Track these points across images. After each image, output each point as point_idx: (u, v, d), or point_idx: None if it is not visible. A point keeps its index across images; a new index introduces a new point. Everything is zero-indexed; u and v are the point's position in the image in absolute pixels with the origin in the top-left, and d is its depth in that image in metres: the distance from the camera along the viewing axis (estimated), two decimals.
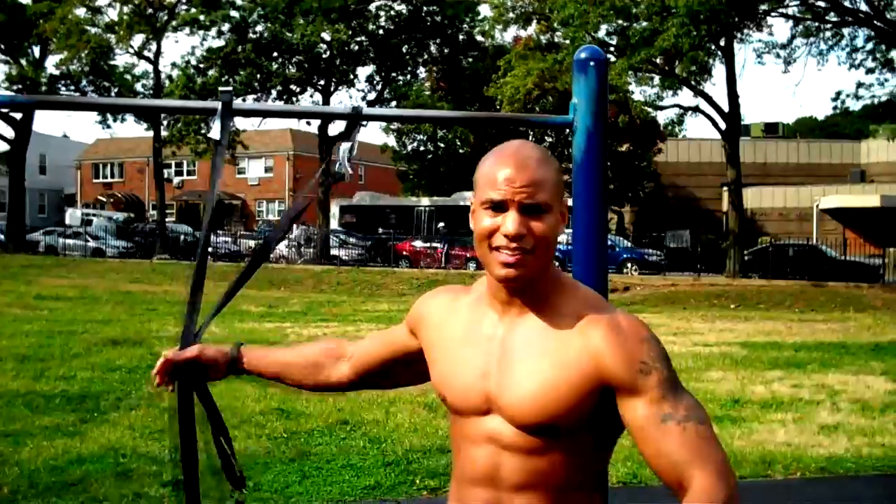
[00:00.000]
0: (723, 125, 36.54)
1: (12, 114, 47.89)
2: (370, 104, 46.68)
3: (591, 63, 2.57)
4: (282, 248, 44.79)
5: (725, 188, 39.41)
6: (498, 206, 1.92)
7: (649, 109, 41.22)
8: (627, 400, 1.89)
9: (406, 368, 2.31)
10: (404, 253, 43.59)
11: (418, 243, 44.29)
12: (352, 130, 2.61)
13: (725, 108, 36.30)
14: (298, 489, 7.23)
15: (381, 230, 46.49)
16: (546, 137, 48.88)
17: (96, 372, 12.59)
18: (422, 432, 9.27)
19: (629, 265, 39.28)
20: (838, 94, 53.84)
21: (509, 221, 1.90)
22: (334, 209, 49.13)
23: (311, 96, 47.04)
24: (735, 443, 9.08)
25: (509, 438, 1.94)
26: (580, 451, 1.96)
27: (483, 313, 2.04)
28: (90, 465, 7.79)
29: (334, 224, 48.30)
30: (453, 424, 2.10)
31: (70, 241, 48.91)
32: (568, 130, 2.59)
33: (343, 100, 57.30)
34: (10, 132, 49.45)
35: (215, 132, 2.56)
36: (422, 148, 55.97)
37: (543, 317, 1.97)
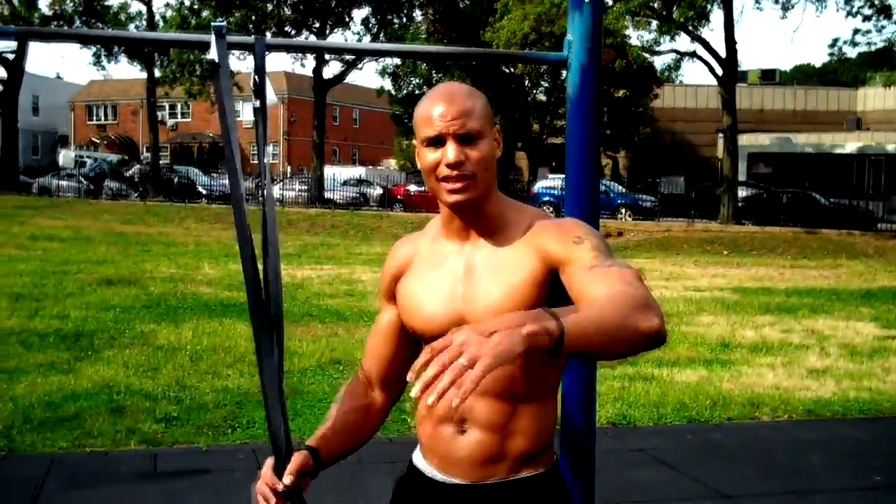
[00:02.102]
0: (720, 71, 36.36)
1: (5, 54, 47.54)
2: (373, 39, 46.37)
3: (586, 0, 2.58)
4: (276, 190, 44.75)
5: (721, 134, 39.27)
6: (436, 141, 2.07)
7: (646, 55, 40.94)
8: (565, 269, 2.01)
9: (408, 342, 2.34)
10: (399, 196, 43.60)
11: (413, 187, 44.25)
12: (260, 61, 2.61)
13: (723, 54, 36.10)
14: (291, 426, 7.28)
15: None
16: (542, 82, 48.67)
17: (90, 311, 12.65)
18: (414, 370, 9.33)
19: (623, 210, 39.31)
20: (835, 41, 53.28)
21: (448, 152, 2.05)
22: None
23: (306, 38, 46.66)
24: (724, 385, 9.17)
25: None
26: (536, 360, 1.96)
27: (441, 246, 2.19)
28: (84, 401, 7.86)
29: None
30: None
31: (63, 182, 48.79)
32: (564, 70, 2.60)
33: (340, 39, 56.67)
34: (2, 72, 49.10)
35: (213, 54, 2.55)
36: (417, 92, 55.68)
37: (496, 235, 2.13)
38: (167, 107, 68.47)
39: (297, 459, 2.18)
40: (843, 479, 6.40)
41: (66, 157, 61.58)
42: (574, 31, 2.57)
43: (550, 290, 2.05)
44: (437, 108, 2.07)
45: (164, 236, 27.33)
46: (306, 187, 45.74)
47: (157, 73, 48.64)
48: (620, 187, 43.23)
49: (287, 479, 2.14)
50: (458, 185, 2.06)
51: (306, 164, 45.72)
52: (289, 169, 64.72)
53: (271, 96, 2.63)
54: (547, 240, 2.06)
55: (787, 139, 46.83)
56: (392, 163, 67.13)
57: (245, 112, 68.69)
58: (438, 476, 2.16)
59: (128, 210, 38.09)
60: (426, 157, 2.09)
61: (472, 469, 2.11)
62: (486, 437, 2.09)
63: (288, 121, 69.19)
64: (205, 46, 2.57)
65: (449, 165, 2.05)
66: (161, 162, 54.95)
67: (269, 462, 2.21)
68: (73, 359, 9.58)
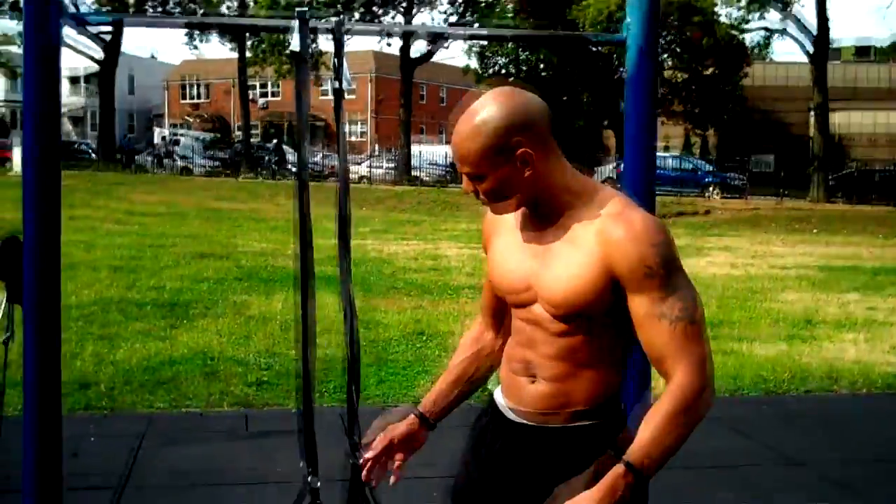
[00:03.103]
0: (811, 48, 35.76)
1: (102, 35, 48.68)
2: (451, 26, 46.49)
3: None
4: (363, 168, 45.27)
5: (812, 112, 38.66)
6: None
7: (735, 32, 40.43)
8: (632, 295, 2.21)
9: None
10: None
11: None
12: (339, 47, 2.83)
13: (814, 30, 35.49)
14: (375, 391, 7.60)
15: None
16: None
17: (185, 282, 13.11)
18: None
19: (711, 188, 38.95)
20: None
21: (464, 182, 2.32)
22: None
23: (393, 17, 46.98)
24: (803, 359, 9.21)
25: (544, 317, 2.32)
26: (600, 334, 2.30)
27: (525, 221, 2.40)
28: (180, 365, 8.25)
29: None
30: (511, 308, 2.48)
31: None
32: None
33: (425, 21, 57.00)
34: (99, 53, 50.31)
35: (295, 45, 2.76)
36: (503, 71, 55.68)
37: (569, 221, 2.29)
38: (258, 86, 69.47)
39: (399, 429, 2.61)
40: None
41: (161, 134, 62.97)
42: (632, 14, 2.70)
43: (613, 293, 2.24)
44: (452, 146, 2.30)
45: (254, 212, 27.92)
46: (393, 165, 46.15)
47: (248, 53, 49.41)
48: (709, 165, 42.81)
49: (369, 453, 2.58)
50: (487, 204, 2.34)
51: (394, 141, 46.05)
52: (377, 146, 65.27)
53: (347, 79, 2.84)
54: (619, 255, 2.18)
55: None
56: None
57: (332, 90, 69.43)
58: (511, 415, 2.42)
59: (220, 186, 38.89)
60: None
61: (536, 414, 2.37)
62: (551, 389, 2.34)
63: (375, 99, 69.74)
64: (288, 30, 2.74)
65: (465, 194, 2.34)
66: (253, 140, 55.86)
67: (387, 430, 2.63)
68: (169, 327, 10.00)
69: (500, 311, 2.58)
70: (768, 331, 10.76)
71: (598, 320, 2.27)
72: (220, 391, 7.46)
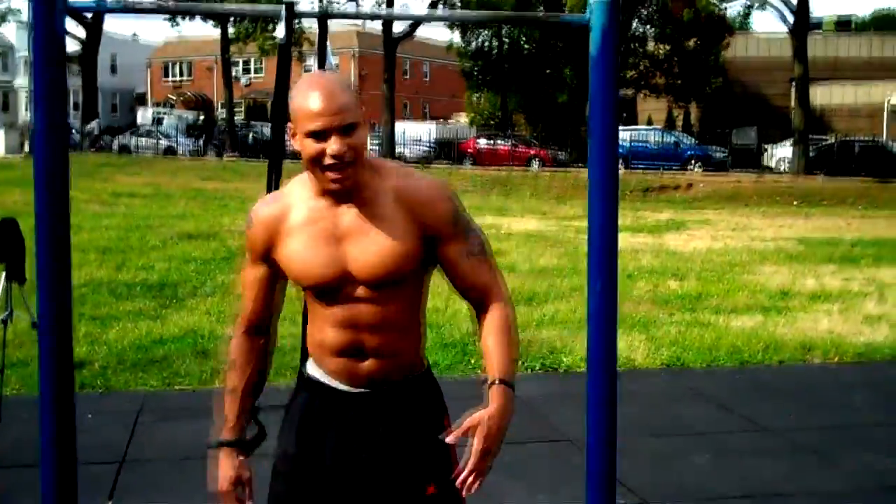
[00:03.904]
0: (791, 19, 35.98)
1: (84, 14, 48.51)
2: (433, 5, 46.53)
3: None
4: None
5: (793, 84, 38.89)
6: (319, 134, 2.38)
7: (715, 3, 40.58)
8: (443, 244, 2.54)
9: (280, 284, 2.70)
10: (469, 151, 43.94)
11: (482, 142, 44.59)
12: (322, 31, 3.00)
13: (794, 1, 35.70)
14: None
15: None
16: None
17: (173, 263, 13.30)
18: None
19: (693, 162, 39.21)
20: None
21: (332, 145, 2.37)
22: None
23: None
24: (778, 330, 9.49)
25: (364, 295, 2.51)
26: (411, 292, 2.58)
27: (316, 209, 2.53)
28: (171, 344, 8.47)
29: None
30: (311, 302, 2.61)
31: (142, 140, 49.91)
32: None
33: (408, 2, 56.96)
34: (81, 32, 50.17)
35: (280, 32, 2.90)
36: (486, 45, 55.74)
37: (370, 195, 2.50)
38: (241, 63, 69.31)
39: (233, 473, 2.62)
40: (883, 415, 6.74)
41: (144, 115, 62.83)
42: None
43: (424, 249, 2.53)
44: (318, 103, 2.38)
45: (240, 192, 28.02)
46: (378, 142, 46.26)
47: (231, 31, 49.35)
48: (691, 139, 43.04)
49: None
50: (341, 175, 2.40)
51: (377, 118, 46.11)
52: None
53: (331, 63, 3.00)
54: (430, 216, 2.50)
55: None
56: (463, 117, 67.32)
57: (316, 68, 69.38)
58: (344, 387, 2.60)
59: (205, 167, 38.96)
60: (309, 147, 2.40)
61: (372, 380, 2.58)
62: (382, 359, 2.55)
63: (359, 76, 69.65)
64: (275, 17, 2.84)
65: (334, 156, 2.37)
66: (237, 118, 55.81)
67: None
68: (159, 307, 10.20)
69: (267, 315, 2.65)
70: (745, 303, 11.03)
71: (410, 279, 2.55)
72: (211, 369, 7.66)
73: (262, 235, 2.56)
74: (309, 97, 2.41)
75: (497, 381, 2.45)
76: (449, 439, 2.46)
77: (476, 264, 2.57)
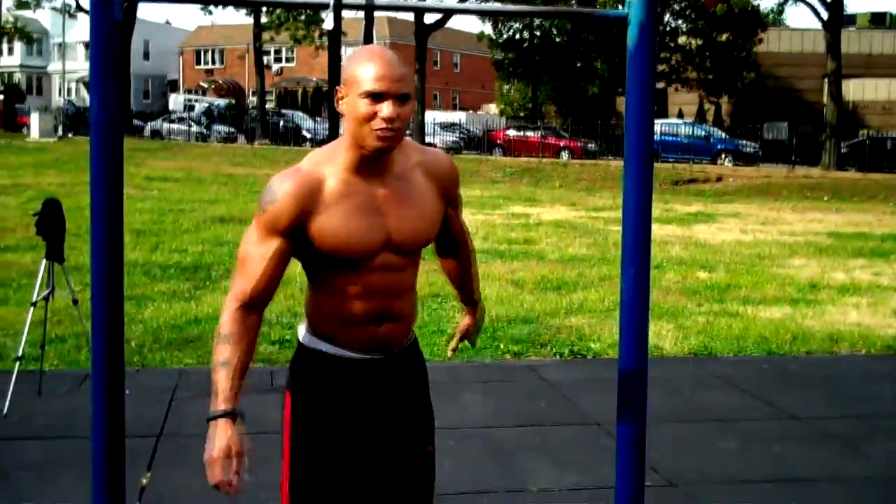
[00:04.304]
0: (825, 14, 35.78)
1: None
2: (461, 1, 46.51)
3: None
4: None
5: (826, 80, 38.65)
6: (376, 97, 2.52)
7: None
8: (453, 207, 2.92)
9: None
10: (498, 141, 43.98)
11: (512, 132, 44.58)
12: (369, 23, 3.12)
13: None
14: None
15: None
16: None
17: (206, 246, 13.48)
18: (507, 304, 9.91)
19: (723, 156, 39.08)
20: None
21: (385, 108, 2.52)
22: None
23: None
24: (806, 322, 9.53)
25: (394, 262, 2.66)
26: (419, 259, 2.81)
27: (354, 181, 2.62)
28: (206, 324, 8.61)
29: None
30: (331, 276, 2.67)
31: (174, 126, 50.25)
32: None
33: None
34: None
35: (328, 23, 2.99)
36: (517, 36, 55.70)
37: (400, 170, 2.68)
38: (272, 52, 69.59)
39: (226, 443, 2.50)
40: None
41: (176, 101, 63.24)
42: None
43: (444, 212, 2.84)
44: (381, 68, 2.54)
45: (270, 178, 28.21)
46: (408, 132, 46.31)
47: (263, 19, 49.57)
48: (722, 133, 42.86)
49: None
50: (389, 135, 2.53)
51: None
52: None
53: None
54: (449, 185, 2.82)
55: None
56: (493, 108, 67.34)
57: (348, 57, 69.50)
58: (357, 356, 2.70)
59: (236, 153, 39.20)
60: (362, 107, 2.52)
61: (386, 346, 2.73)
62: (398, 322, 2.72)
63: None
64: (320, 7, 2.89)
65: (385, 119, 2.51)
66: (267, 106, 56.08)
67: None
68: (193, 288, 10.37)
69: (270, 291, 2.63)
70: (774, 295, 11.06)
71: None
72: None
73: (292, 209, 2.57)
74: (372, 61, 2.58)
75: (477, 301, 3.19)
76: (450, 351, 3.27)
77: (459, 215, 2.99)
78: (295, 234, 2.59)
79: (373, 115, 2.52)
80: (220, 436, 2.50)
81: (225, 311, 2.63)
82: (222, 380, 2.54)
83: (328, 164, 2.63)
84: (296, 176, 2.62)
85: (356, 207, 2.60)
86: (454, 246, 3.05)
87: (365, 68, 2.57)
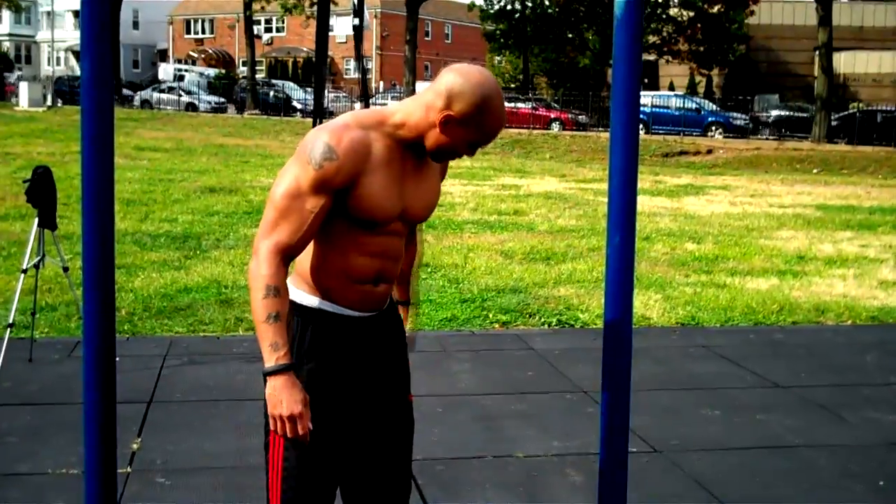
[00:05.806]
0: None
1: None
2: None
3: None
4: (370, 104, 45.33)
5: (817, 52, 38.63)
6: (476, 145, 2.72)
7: None
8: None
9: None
10: None
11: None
12: None
13: None
14: None
15: None
16: None
17: (196, 216, 13.48)
18: (496, 275, 9.96)
19: (714, 128, 39.11)
20: None
21: (469, 153, 2.75)
22: None
23: None
24: (793, 293, 9.59)
25: (401, 229, 2.83)
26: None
27: (393, 149, 2.72)
28: (196, 293, 8.65)
29: None
30: (347, 235, 2.72)
31: (164, 96, 50.06)
32: None
33: None
34: None
35: None
36: (508, 7, 55.53)
37: (421, 153, 2.79)
38: (263, 21, 69.27)
39: (303, 394, 2.60)
40: (893, 375, 6.86)
41: (165, 71, 62.97)
42: None
43: None
44: (499, 126, 2.69)
45: (260, 148, 28.17)
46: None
47: None
48: (713, 105, 42.86)
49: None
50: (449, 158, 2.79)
51: (398, 79, 46.09)
52: (381, 84, 65.19)
53: (367, 22, 3.15)
54: (443, 167, 2.95)
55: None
56: None
57: (337, 27, 69.29)
58: (356, 313, 2.81)
59: (226, 123, 39.10)
60: (457, 135, 2.66)
61: (379, 305, 2.87)
62: (389, 285, 2.88)
63: (381, 36, 69.51)
64: None
65: (465, 157, 2.79)
66: (257, 76, 55.88)
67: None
68: (183, 257, 10.39)
69: (305, 246, 2.67)
70: (761, 266, 11.13)
71: None
72: (234, 317, 7.85)
73: (350, 167, 2.60)
74: (494, 119, 2.68)
75: (414, 304, 3.26)
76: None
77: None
78: (340, 192, 2.63)
79: (459, 143, 2.70)
80: (295, 388, 2.57)
81: (266, 261, 2.59)
82: (279, 334, 2.57)
83: (374, 129, 2.69)
84: (352, 134, 2.63)
85: (392, 174, 2.71)
86: (412, 235, 3.15)
87: (487, 120, 2.67)
